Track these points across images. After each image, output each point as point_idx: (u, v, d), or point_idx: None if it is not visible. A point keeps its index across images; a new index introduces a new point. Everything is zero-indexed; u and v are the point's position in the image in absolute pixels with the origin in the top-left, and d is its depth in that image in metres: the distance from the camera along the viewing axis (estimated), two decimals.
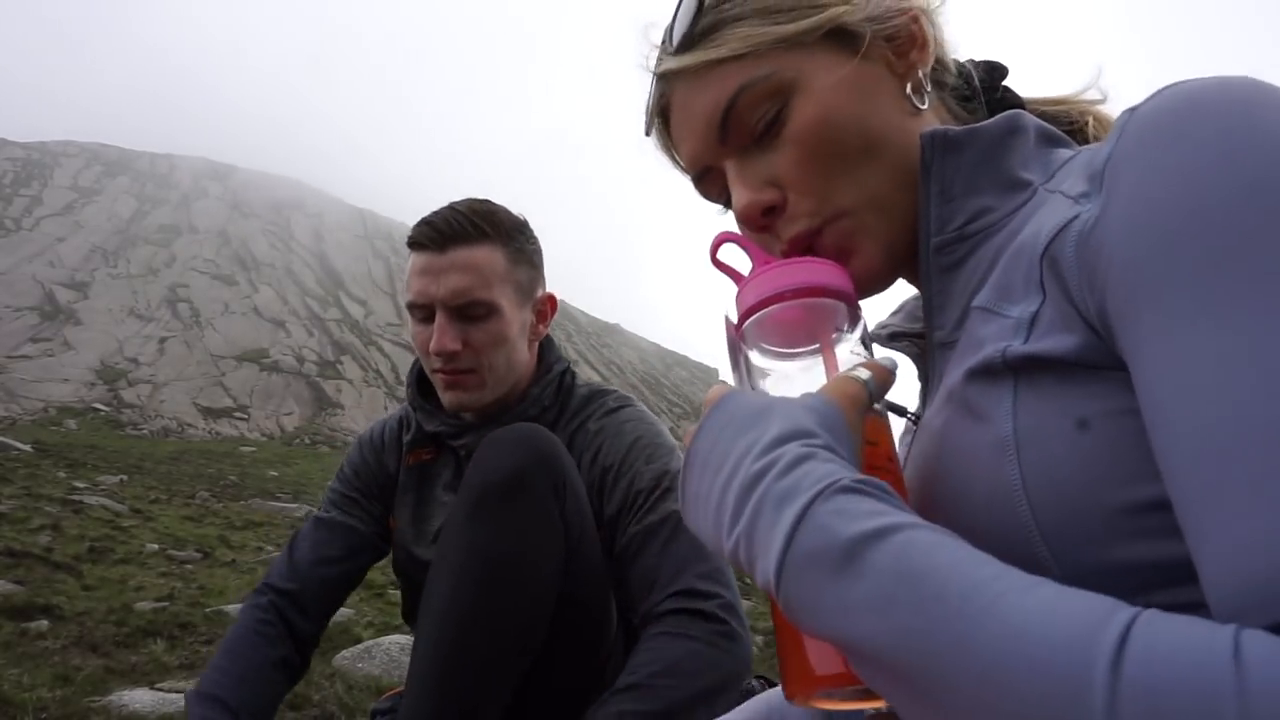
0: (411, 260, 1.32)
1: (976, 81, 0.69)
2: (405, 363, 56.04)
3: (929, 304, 0.61)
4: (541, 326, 1.43)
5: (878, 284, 0.63)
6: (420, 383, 1.44)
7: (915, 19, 0.62)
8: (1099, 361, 0.45)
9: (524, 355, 1.38)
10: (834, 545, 0.40)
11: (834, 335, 0.57)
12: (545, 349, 1.45)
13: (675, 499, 1.21)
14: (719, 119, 0.60)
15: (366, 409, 46.47)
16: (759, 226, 0.61)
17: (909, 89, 0.62)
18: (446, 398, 1.33)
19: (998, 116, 0.60)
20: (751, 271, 0.59)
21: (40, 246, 59.56)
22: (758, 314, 0.56)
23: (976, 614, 0.35)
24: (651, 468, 1.27)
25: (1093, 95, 0.68)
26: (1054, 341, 0.47)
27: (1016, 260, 0.52)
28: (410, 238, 1.32)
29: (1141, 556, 0.37)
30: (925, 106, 0.63)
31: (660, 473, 1.27)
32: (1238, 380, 0.37)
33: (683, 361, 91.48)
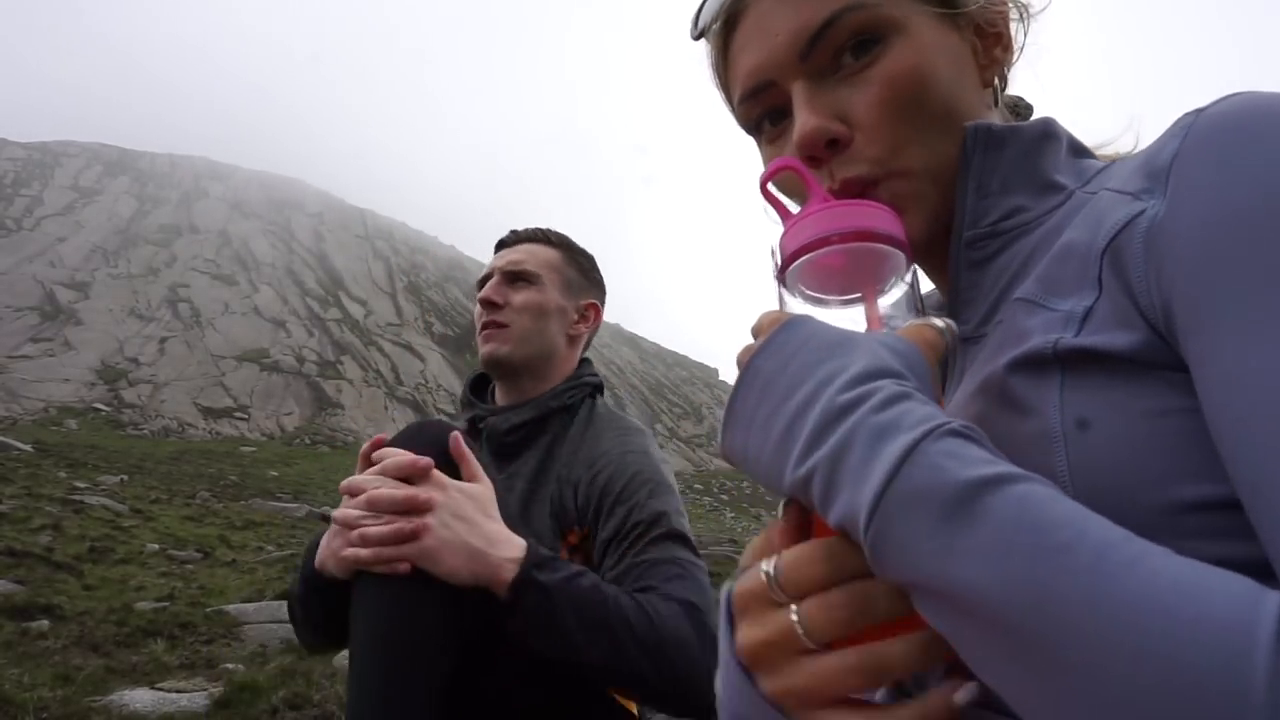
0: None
1: (1025, 103, 0.70)
2: (405, 363, 56.14)
3: (955, 298, 0.60)
4: (581, 325, 1.59)
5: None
6: (473, 385, 1.63)
7: (1007, 19, 0.63)
8: (1154, 360, 0.44)
9: (556, 340, 1.53)
10: (947, 486, 0.38)
11: (879, 288, 0.54)
12: (584, 363, 1.61)
13: (677, 544, 1.30)
14: (810, 33, 0.57)
15: (366, 409, 46.49)
16: (816, 157, 0.58)
17: (985, 82, 0.62)
18: (483, 351, 1.51)
19: (1034, 119, 0.61)
20: (806, 207, 0.55)
21: (40, 246, 59.60)
22: (810, 254, 0.53)
23: (1113, 570, 0.35)
24: (653, 503, 1.32)
25: (1118, 149, 0.67)
26: (1108, 337, 0.46)
27: (1066, 255, 0.51)
28: (497, 242, 1.63)
29: (1194, 556, 0.36)
30: (997, 105, 0.64)
31: (660, 512, 1.31)
32: None
33: (683, 361, 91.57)
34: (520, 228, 1.63)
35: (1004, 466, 0.39)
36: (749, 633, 0.46)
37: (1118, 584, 0.34)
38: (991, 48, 0.62)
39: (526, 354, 1.49)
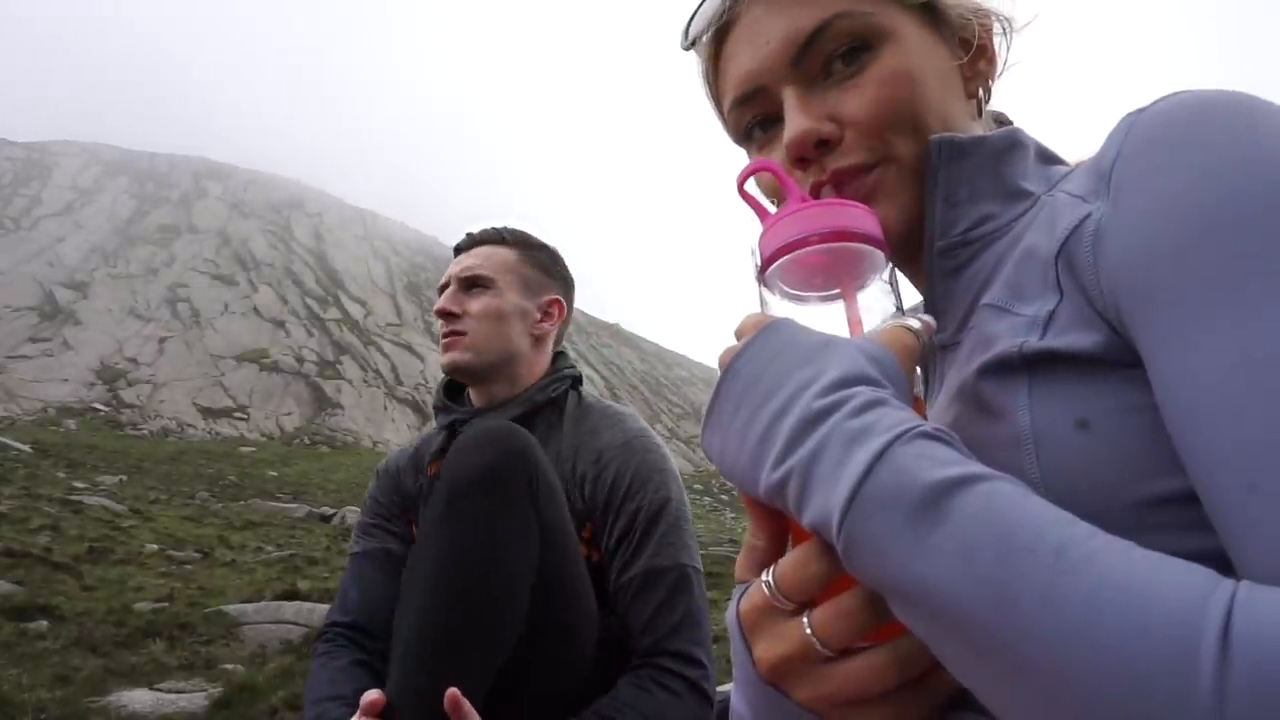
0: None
1: (1006, 118, 0.71)
2: (404, 363, 56.13)
3: (931, 307, 0.62)
4: (546, 323, 1.56)
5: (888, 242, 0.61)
6: (447, 388, 1.60)
7: (991, 32, 0.64)
8: (1119, 358, 0.45)
9: (520, 341, 1.52)
10: (915, 487, 0.39)
11: (858, 284, 0.55)
12: (559, 357, 1.60)
13: (679, 544, 1.35)
14: (803, 39, 0.58)
15: (366, 409, 46.47)
16: (805, 158, 0.59)
17: (969, 94, 0.64)
18: (443, 361, 1.50)
19: (999, 130, 0.62)
20: (784, 208, 0.56)
21: (40, 246, 59.56)
22: (789, 254, 0.54)
23: (1070, 569, 0.35)
24: (660, 494, 1.37)
25: None
26: (1073, 338, 0.47)
27: (1028, 260, 0.52)
28: (454, 246, 1.61)
29: (1162, 550, 0.36)
30: (981, 116, 0.65)
31: (665, 500, 1.36)
32: (1265, 376, 0.38)
33: (683, 361, 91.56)
34: (476, 230, 1.60)
35: (973, 467, 0.40)
36: (766, 649, 0.46)
37: (1074, 584, 0.34)
38: (976, 60, 0.64)
39: (488, 360, 1.48)
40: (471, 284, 1.51)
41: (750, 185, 0.60)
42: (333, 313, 61.39)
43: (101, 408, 36.46)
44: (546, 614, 1.18)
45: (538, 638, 1.17)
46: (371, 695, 1.06)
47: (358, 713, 1.06)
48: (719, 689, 1.45)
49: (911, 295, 0.71)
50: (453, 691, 1.04)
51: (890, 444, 0.40)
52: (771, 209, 0.58)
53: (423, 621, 1.11)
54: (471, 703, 1.06)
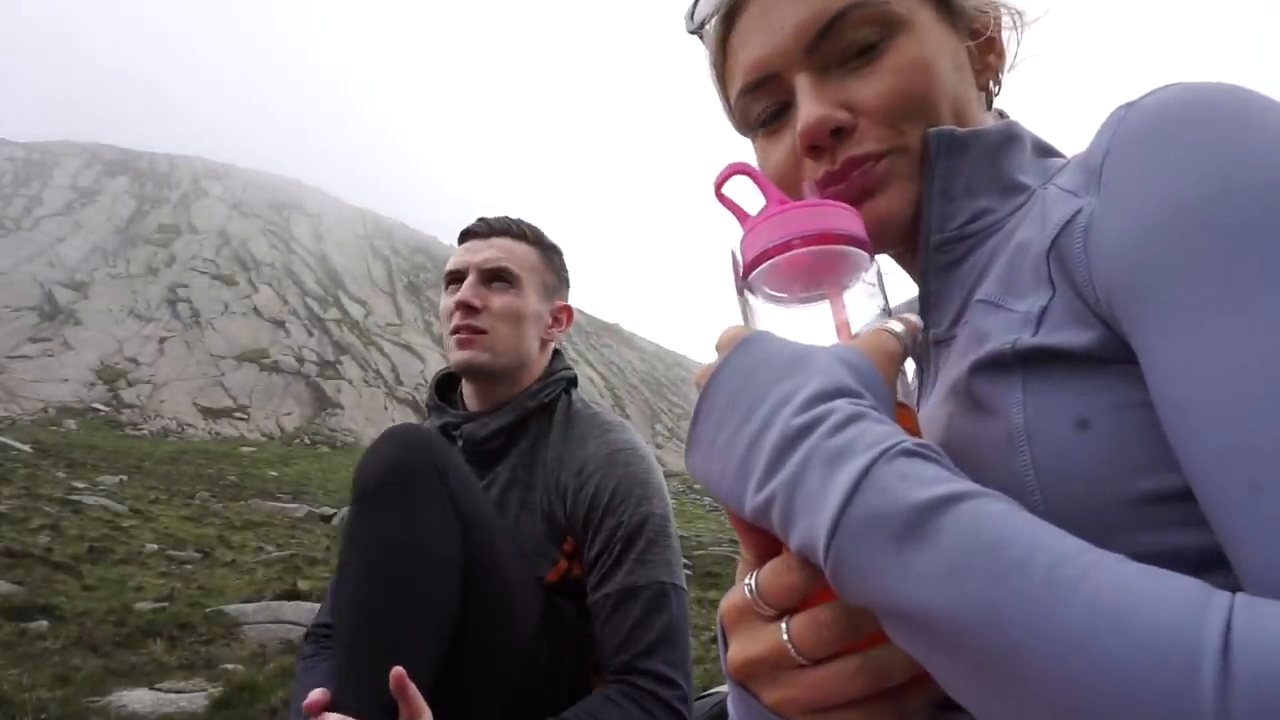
0: (459, 247, 1.52)
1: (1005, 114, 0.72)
2: (405, 363, 56.11)
3: (925, 301, 0.62)
4: (555, 329, 1.55)
5: (890, 234, 0.61)
6: (439, 387, 1.57)
7: (1000, 24, 0.65)
8: (1112, 355, 0.45)
9: (532, 346, 1.48)
10: (900, 509, 0.38)
11: (843, 285, 0.54)
12: (555, 358, 1.56)
13: (659, 561, 1.32)
14: (820, 25, 0.57)
15: (366, 409, 46.44)
16: (819, 146, 0.58)
17: (980, 86, 0.64)
18: (456, 357, 1.44)
19: (997, 123, 0.62)
20: (764, 211, 0.54)
21: (40, 246, 59.54)
22: (773, 259, 0.52)
23: (1064, 586, 0.34)
24: (640, 510, 1.34)
25: None
26: (1066, 335, 0.47)
27: (1021, 256, 0.52)
28: (463, 230, 1.53)
29: (1155, 547, 0.37)
30: (990, 109, 0.65)
31: (646, 516, 1.34)
32: (1262, 374, 0.37)
33: (683, 361, 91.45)
34: (490, 216, 1.54)
35: (957, 484, 0.39)
36: (740, 649, 0.46)
37: (1068, 601, 0.34)
38: (985, 53, 0.64)
39: (504, 364, 1.44)
40: (494, 277, 1.45)
41: (729, 187, 0.58)
42: (333, 313, 61.34)
43: (101, 408, 36.43)
44: (476, 600, 1.19)
45: (470, 623, 1.18)
46: (314, 695, 1.06)
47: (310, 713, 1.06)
48: (716, 689, 1.45)
49: (911, 289, 0.70)
50: (398, 670, 1.04)
51: (872, 463, 0.39)
52: (751, 211, 0.57)
53: (352, 619, 1.13)
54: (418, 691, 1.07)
